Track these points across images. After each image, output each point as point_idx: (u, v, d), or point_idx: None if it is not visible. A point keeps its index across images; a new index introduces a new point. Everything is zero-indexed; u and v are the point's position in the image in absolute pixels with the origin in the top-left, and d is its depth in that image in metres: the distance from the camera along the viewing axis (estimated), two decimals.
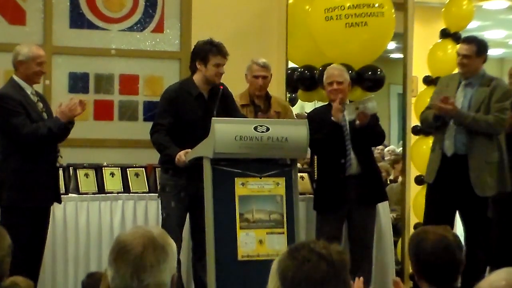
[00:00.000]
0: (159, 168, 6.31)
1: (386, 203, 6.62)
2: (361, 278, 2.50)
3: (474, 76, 6.13)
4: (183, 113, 5.70)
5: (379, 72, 7.21)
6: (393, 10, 7.05)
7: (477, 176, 5.98)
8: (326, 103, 6.52)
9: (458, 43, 8.37)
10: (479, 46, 6.11)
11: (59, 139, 5.62)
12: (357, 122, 5.99)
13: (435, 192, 6.17)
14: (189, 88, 5.77)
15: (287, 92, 7.74)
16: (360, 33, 6.89)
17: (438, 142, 6.17)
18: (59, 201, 5.73)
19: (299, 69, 7.63)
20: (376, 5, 6.90)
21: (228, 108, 5.81)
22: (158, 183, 6.08)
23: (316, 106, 7.22)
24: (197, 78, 5.78)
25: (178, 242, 5.68)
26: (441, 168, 6.07)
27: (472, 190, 5.96)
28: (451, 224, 5.97)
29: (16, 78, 5.54)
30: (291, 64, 7.93)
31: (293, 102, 8.61)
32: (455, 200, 6.08)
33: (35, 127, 5.39)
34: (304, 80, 7.54)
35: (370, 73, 7.12)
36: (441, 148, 6.08)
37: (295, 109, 12.43)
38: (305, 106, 9.75)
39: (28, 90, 5.54)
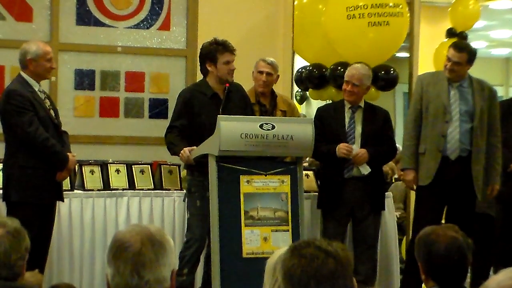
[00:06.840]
0: (165, 165, 6.33)
1: (390, 201, 6.62)
2: None
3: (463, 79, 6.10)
4: (199, 113, 5.71)
5: (392, 72, 7.19)
6: (407, 9, 7.05)
7: (478, 180, 5.98)
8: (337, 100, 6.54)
9: None
10: (470, 55, 6.04)
11: (51, 158, 5.48)
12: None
13: (431, 194, 6.00)
14: (202, 88, 5.80)
15: (300, 90, 7.70)
16: (381, 32, 6.85)
17: (431, 143, 6.03)
18: (61, 199, 5.71)
19: (308, 68, 7.62)
20: (396, 4, 6.89)
21: (246, 109, 5.85)
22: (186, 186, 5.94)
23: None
24: (210, 79, 5.80)
25: (202, 241, 5.69)
26: (440, 171, 5.95)
27: (469, 191, 5.95)
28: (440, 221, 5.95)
29: (24, 74, 5.55)
30: (304, 62, 7.92)
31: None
32: (448, 199, 6.03)
33: (45, 135, 5.39)
34: (312, 79, 7.53)
35: (383, 72, 7.10)
36: (441, 150, 5.98)
37: (303, 107, 12.49)
38: (312, 103, 9.73)
39: (36, 87, 5.55)
